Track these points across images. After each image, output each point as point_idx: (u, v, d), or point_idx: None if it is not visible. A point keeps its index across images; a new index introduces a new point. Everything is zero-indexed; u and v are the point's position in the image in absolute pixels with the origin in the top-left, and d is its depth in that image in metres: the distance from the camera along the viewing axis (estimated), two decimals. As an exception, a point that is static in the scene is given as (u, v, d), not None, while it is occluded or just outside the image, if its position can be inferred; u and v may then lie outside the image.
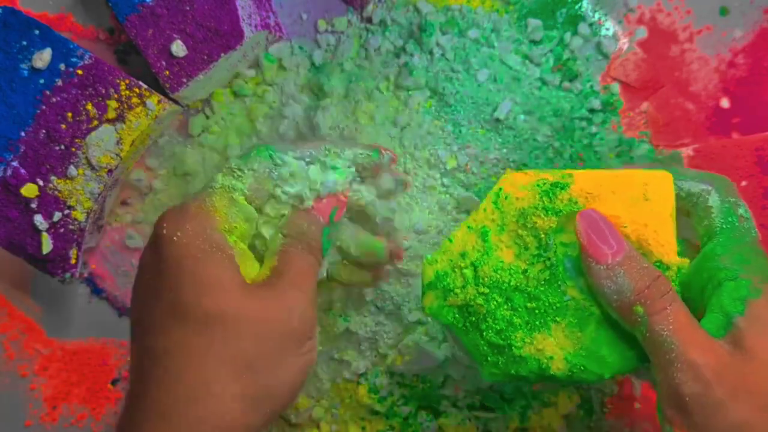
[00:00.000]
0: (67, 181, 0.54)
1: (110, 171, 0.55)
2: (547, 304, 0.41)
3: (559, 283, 0.41)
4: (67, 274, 0.55)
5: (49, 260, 0.54)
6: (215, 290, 0.38)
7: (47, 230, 0.54)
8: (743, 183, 0.53)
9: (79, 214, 0.55)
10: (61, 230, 0.54)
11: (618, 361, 0.41)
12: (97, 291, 0.60)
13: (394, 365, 0.56)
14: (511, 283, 0.41)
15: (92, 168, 0.54)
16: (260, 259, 0.42)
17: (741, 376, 0.38)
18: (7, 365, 0.60)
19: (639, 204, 0.41)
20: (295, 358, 0.40)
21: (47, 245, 0.54)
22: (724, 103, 0.58)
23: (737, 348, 0.38)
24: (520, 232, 0.42)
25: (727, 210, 0.43)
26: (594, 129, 0.56)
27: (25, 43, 0.54)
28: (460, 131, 0.54)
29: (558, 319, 0.41)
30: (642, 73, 0.58)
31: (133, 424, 0.39)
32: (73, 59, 0.54)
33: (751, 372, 0.38)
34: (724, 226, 0.43)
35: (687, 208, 0.44)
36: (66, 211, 0.54)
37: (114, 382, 0.59)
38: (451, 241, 0.43)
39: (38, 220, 0.54)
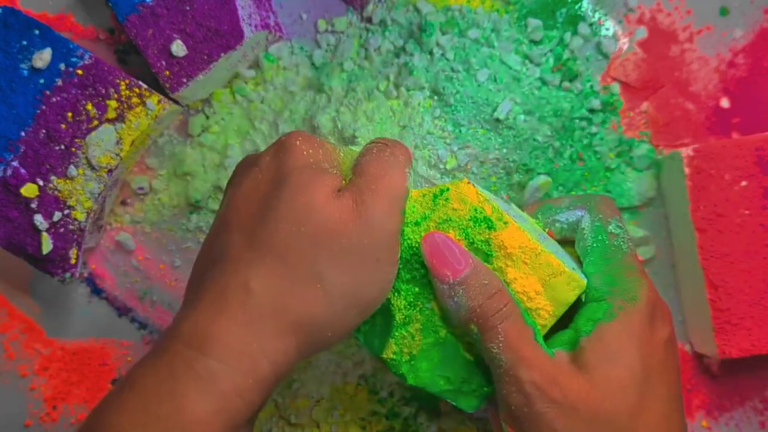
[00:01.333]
0: (67, 181, 0.54)
1: (110, 171, 0.55)
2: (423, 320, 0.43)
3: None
4: (67, 274, 0.55)
5: (49, 260, 0.55)
6: (309, 190, 0.39)
7: (47, 230, 0.54)
8: (743, 183, 0.53)
9: (79, 214, 0.55)
10: (61, 230, 0.54)
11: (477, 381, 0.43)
12: (97, 291, 0.60)
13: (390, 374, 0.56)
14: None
15: (92, 168, 0.54)
16: None
17: (566, 390, 0.40)
18: (7, 365, 0.60)
19: (546, 282, 0.43)
20: (369, 271, 0.40)
21: (47, 245, 0.54)
22: (724, 103, 0.58)
23: (574, 364, 0.41)
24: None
25: (597, 228, 0.45)
26: (594, 129, 0.56)
27: (25, 43, 0.54)
28: (460, 131, 0.54)
29: (425, 335, 0.43)
30: (642, 73, 0.58)
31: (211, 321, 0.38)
32: (73, 59, 0.54)
33: (578, 387, 0.40)
34: (594, 245, 0.45)
35: (569, 238, 0.46)
36: (66, 211, 0.54)
37: (114, 382, 0.59)
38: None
39: (38, 220, 0.54)
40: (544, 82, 0.56)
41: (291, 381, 0.57)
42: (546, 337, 0.43)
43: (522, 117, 0.54)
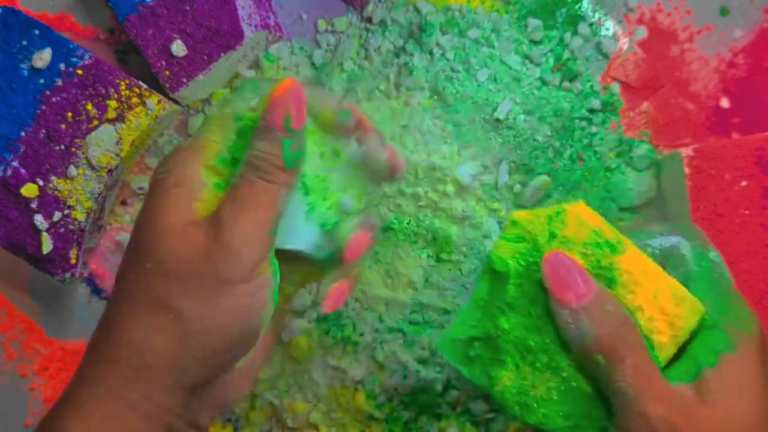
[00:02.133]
0: (67, 181, 0.54)
1: (110, 171, 0.55)
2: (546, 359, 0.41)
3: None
4: (67, 274, 0.55)
5: (49, 260, 0.54)
6: (152, 226, 0.38)
7: (47, 230, 0.54)
8: (743, 183, 0.53)
9: (79, 214, 0.55)
10: (61, 230, 0.54)
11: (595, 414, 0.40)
12: (97, 291, 0.60)
13: (387, 381, 0.56)
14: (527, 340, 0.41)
15: (92, 168, 0.54)
16: None
17: (695, 425, 0.38)
18: (7, 365, 0.60)
19: (671, 308, 0.40)
20: (226, 300, 0.38)
21: (47, 245, 0.54)
22: (724, 103, 0.58)
23: (699, 397, 0.39)
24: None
25: (699, 254, 0.43)
26: (594, 129, 0.56)
27: (25, 43, 0.54)
28: (460, 131, 0.54)
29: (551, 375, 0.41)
30: (642, 73, 0.58)
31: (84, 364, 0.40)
32: (73, 59, 0.54)
33: (706, 420, 0.38)
34: (700, 271, 0.43)
35: (661, 264, 0.44)
36: (66, 211, 0.54)
37: (114, 382, 0.59)
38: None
39: (38, 220, 0.54)
40: (544, 82, 0.56)
41: (288, 385, 0.57)
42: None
43: (522, 117, 0.54)
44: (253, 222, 0.38)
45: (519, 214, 0.41)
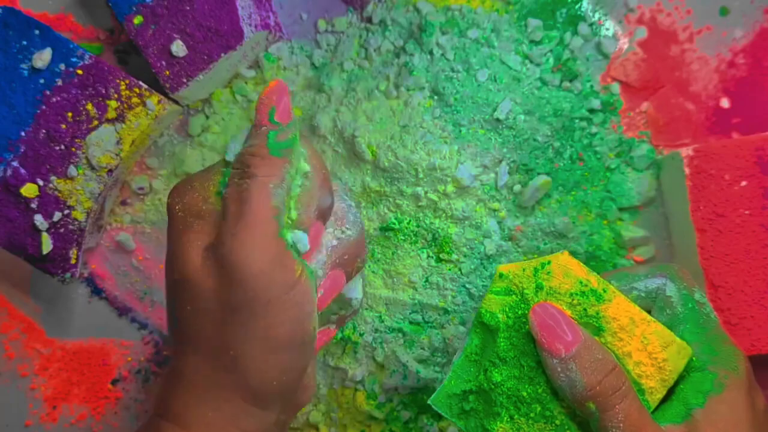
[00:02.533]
0: (67, 181, 0.54)
1: (110, 171, 0.55)
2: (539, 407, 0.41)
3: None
4: (67, 274, 0.55)
5: (49, 260, 0.55)
6: (179, 259, 0.38)
7: (47, 230, 0.54)
8: (743, 183, 0.53)
9: (79, 214, 0.55)
10: (61, 230, 0.54)
11: None
12: (97, 291, 0.60)
13: (386, 381, 0.56)
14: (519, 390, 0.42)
15: (92, 168, 0.54)
16: None
17: None
18: (7, 365, 0.60)
19: (659, 353, 0.41)
20: (276, 321, 0.37)
21: (47, 245, 0.54)
22: (724, 103, 0.58)
23: None
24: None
25: (685, 297, 0.44)
26: (594, 129, 0.56)
27: (25, 43, 0.54)
28: (460, 131, 0.54)
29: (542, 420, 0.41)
30: (642, 73, 0.58)
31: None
32: (73, 59, 0.54)
33: None
34: (687, 313, 0.44)
35: (647, 306, 0.45)
36: (66, 211, 0.54)
37: (114, 382, 0.59)
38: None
39: (38, 220, 0.54)
40: (544, 82, 0.56)
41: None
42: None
43: (522, 117, 0.54)
44: (251, 233, 0.37)
45: (505, 267, 0.42)
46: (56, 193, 0.54)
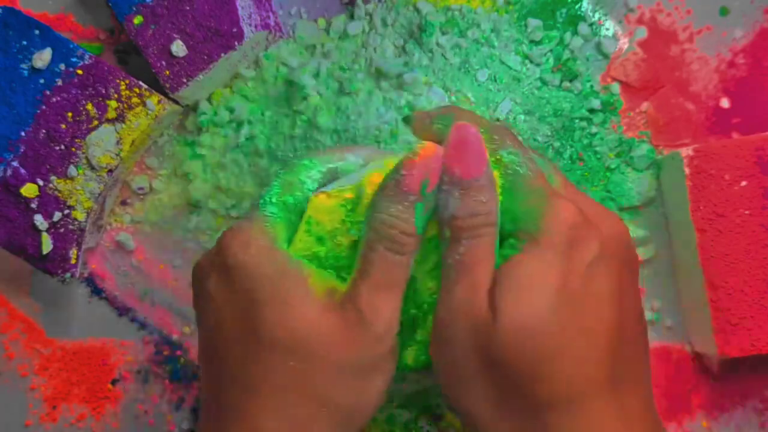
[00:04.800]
0: (67, 181, 0.54)
1: (110, 171, 0.55)
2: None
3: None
4: (67, 274, 0.55)
5: (49, 260, 0.55)
6: (295, 309, 0.37)
7: (47, 230, 0.54)
8: (743, 183, 0.53)
9: (79, 214, 0.55)
10: (61, 230, 0.54)
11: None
12: (97, 291, 0.60)
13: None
14: None
15: (92, 168, 0.54)
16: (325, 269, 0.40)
17: (477, 328, 0.37)
18: (7, 365, 0.60)
19: None
20: (374, 380, 0.39)
21: (47, 245, 0.54)
22: (724, 103, 0.58)
23: (490, 302, 0.37)
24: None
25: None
26: (594, 129, 0.56)
27: (25, 43, 0.54)
28: (460, 131, 0.54)
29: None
30: (642, 73, 0.58)
31: None
32: (73, 59, 0.54)
33: (487, 330, 0.36)
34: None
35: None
36: (66, 211, 0.54)
37: (114, 382, 0.59)
38: None
39: (38, 220, 0.54)
40: (544, 82, 0.56)
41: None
42: None
43: (522, 117, 0.54)
44: (390, 306, 0.38)
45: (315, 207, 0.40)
46: (56, 193, 0.54)
